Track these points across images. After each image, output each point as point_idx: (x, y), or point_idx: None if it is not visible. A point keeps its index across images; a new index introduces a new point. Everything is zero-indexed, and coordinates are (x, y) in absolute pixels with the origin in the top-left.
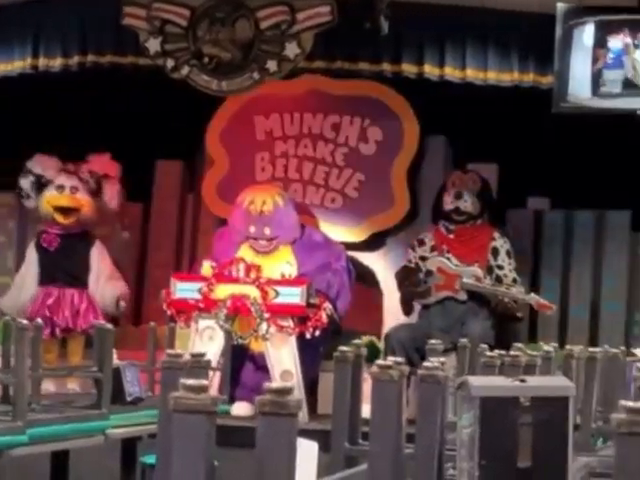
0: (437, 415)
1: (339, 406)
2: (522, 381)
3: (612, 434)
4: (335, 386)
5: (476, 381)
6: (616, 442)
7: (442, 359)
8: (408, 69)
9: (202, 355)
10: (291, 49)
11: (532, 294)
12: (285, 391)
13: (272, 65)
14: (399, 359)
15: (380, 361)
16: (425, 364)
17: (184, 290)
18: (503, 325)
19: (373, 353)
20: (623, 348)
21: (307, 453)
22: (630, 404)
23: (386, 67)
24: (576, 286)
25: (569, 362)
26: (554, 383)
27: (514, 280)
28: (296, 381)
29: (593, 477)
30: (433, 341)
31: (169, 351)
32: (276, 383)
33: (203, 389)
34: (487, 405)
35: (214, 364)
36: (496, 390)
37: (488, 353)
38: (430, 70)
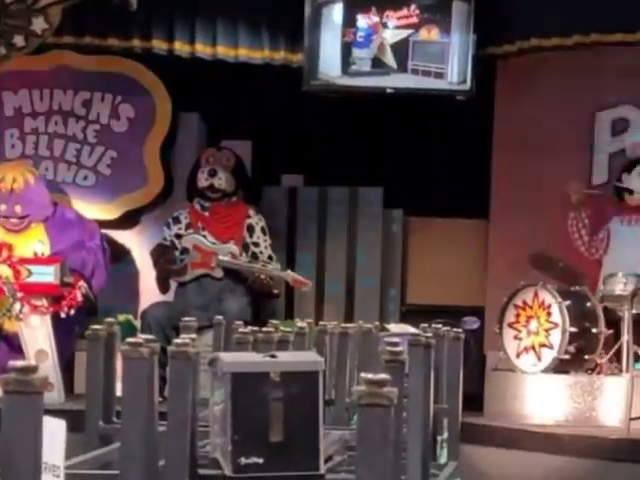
0: (188, 392)
1: (92, 385)
2: (272, 357)
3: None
4: (88, 365)
5: (227, 357)
6: (358, 414)
7: (193, 335)
8: (158, 45)
9: None
10: (38, 24)
11: (288, 271)
12: (29, 369)
13: (19, 40)
14: (150, 337)
15: (131, 339)
16: (175, 341)
17: None
18: (260, 302)
19: (130, 331)
20: (377, 323)
21: (54, 432)
22: (369, 376)
23: (136, 43)
24: (331, 262)
25: (323, 338)
26: (304, 358)
27: (270, 257)
28: (51, 361)
29: (348, 450)
30: (187, 318)
31: None
32: (20, 361)
33: None
34: (238, 381)
35: None
36: (246, 366)
37: (241, 329)
38: (180, 47)
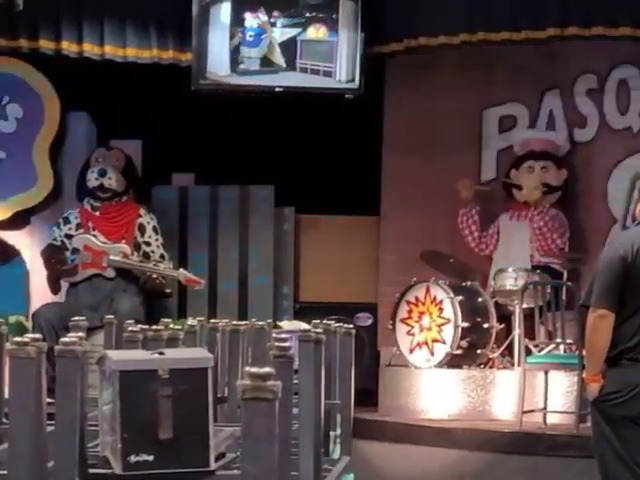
0: (76, 390)
1: None
2: (161, 354)
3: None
4: None
5: (114, 355)
6: (243, 408)
7: (80, 334)
8: (46, 45)
9: None
10: None
11: (180, 269)
12: None
13: None
14: (37, 336)
15: (18, 338)
16: (63, 339)
17: None
18: (153, 301)
19: (21, 333)
20: (270, 321)
21: None
22: (253, 370)
23: (23, 43)
24: (224, 261)
25: (214, 335)
26: (192, 355)
27: (162, 256)
28: None
29: (240, 446)
30: (77, 318)
31: None
32: None
33: None
34: (126, 379)
35: None
36: (134, 364)
37: (130, 328)
38: (68, 46)
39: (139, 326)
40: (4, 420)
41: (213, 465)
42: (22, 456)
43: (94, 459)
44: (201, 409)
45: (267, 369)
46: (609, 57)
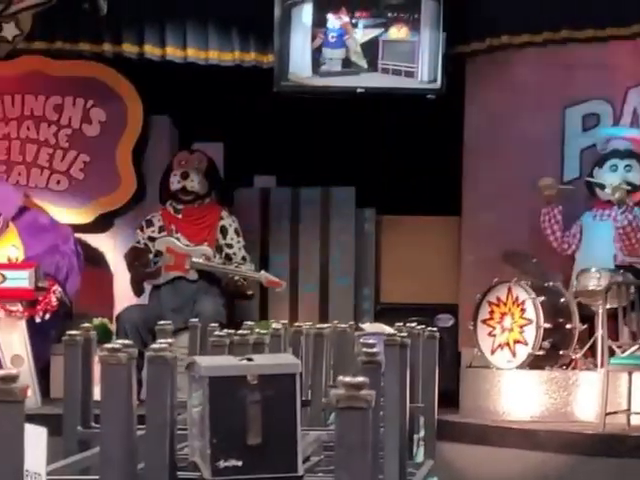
0: (167, 395)
1: (70, 390)
2: (249, 360)
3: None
4: (65, 371)
5: (204, 361)
6: (336, 417)
7: (170, 339)
8: (129, 49)
9: None
10: (9, 30)
11: (262, 271)
12: (10, 378)
13: None
14: (127, 342)
15: (108, 344)
16: (152, 345)
17: None
18: (234, 303)
19: (105, 335)
20: (352, 323)
21: (36, 439)
22: (347, 379)
23: (107, 48)
24: (305, 263)
25: (298, 339)
26: (280, 361)
27: (243, 258)
28: (27, 366)
29: (325, 450)
30: (162, 322)
31: None
32: (1, 370)
33: None
34: (215, 384)
35: None
36: (224, 370)
37: (217, 332)
38: (151, 50)
39: (225, 331)
40: (93, 424)
41: (301, 470)
42: (113, 460)
43: (182, 463)
44: (289, 415)
45: (361, 378)
46: None
